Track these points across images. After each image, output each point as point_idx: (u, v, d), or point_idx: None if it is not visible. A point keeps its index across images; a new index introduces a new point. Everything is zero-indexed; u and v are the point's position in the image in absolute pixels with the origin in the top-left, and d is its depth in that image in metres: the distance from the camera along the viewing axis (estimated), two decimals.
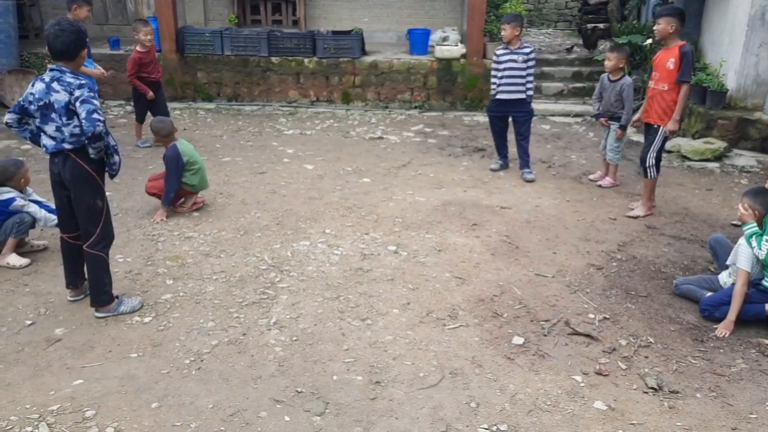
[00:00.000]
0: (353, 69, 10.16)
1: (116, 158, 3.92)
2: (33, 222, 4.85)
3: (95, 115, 3.63)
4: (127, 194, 6.24)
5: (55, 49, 3.71)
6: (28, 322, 4.05)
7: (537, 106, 9.39)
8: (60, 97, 3.68)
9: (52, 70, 3.75)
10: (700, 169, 7.32)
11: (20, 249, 4.90)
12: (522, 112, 6.91)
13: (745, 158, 7.66)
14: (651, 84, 5.80)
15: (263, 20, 11.50)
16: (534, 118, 8.26)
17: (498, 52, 6.91)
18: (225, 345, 3.84)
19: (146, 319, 4.09)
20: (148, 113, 7.88)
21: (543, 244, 5.34)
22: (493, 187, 6.69)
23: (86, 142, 3.71)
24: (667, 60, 5.58)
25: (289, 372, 3.59)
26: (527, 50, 6.75)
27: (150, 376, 3.54)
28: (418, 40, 10.37)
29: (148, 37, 7.67)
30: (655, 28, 5.68)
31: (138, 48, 7.67)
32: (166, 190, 5.64)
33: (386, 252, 5.11)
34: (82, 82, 3.72)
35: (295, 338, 3.92)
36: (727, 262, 4.32)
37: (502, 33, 6.79)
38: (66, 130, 3.73)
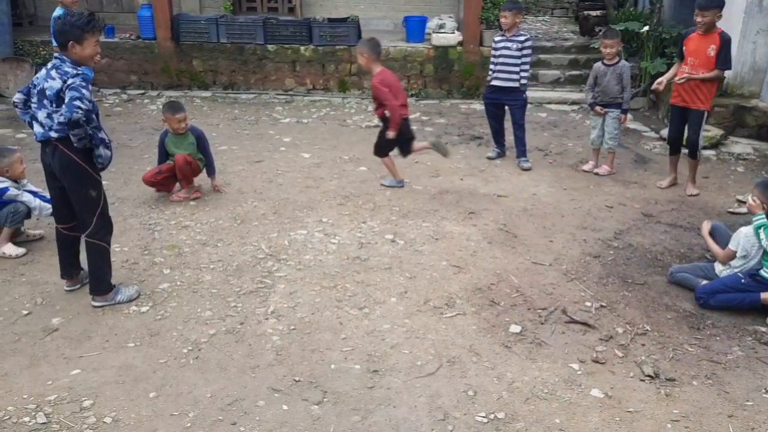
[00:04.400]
0: (350, 57, 10.09)
1: (102, 151, 3.83)
2: (28, 211, 4.82)
3: (77, 102, 3.58)
4: (123, 183, 6.22)
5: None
6: (25, 312, 4.04)
7: (534, 93, 9.38)
8: (54, 84, 3.68)
9: (56, 58, 3.78)
10: None
11: (16, 239, 4.88)
12: (515, 101, 6.87)
13: (741, 146, 7.65)
14: (686, 69, 5.93)
15: (259, 7, 11.41)
16: (530, 106, 8.24)
17: (495, 39, 6.92)
18: (223, 334, 3.84)
19: (143, 309, 4.09)
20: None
21: (540, 232, 5.34)
22: (489, 176, 6.68)
23: (66, 128, 3.68)
24: (707, 47, 5.76)
25: (287, 361, 3.60)
26: (522, 38, 6.71)
27: (148, 365, 3.54)
28: (415, 28, 10.31)
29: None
30: (700, 19, 5.75)
31: None
32: (210, 160, 6.00)
33: (383, 241, 5.11)
34: (79, 72, 3.69)
35: (292, 327, 3.92)
36: (729, 247, 4.33)
37: (503, 20, 6.73)
38: (54, 117, 3.72)
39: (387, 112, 5.86)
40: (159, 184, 5.81)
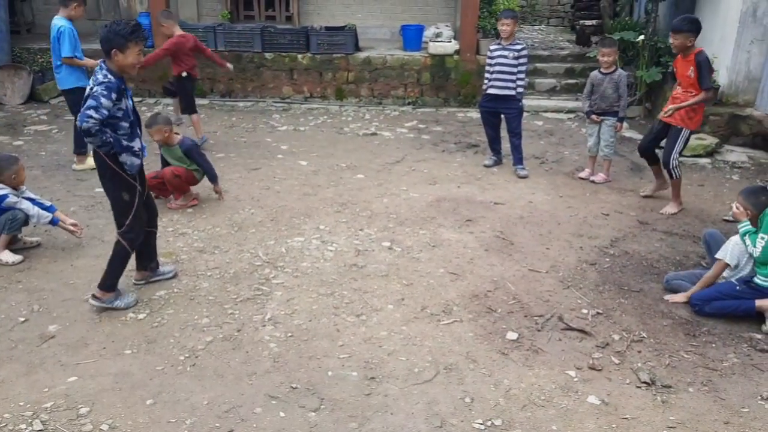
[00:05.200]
0: (347, 65, 10.14)
1: (126, 158, 3.90)
2: (26, 219, 4.82)
3: (89, 112, 3.65)
4: None
5: None
6: (22, 319, 4.03)
7: (530, 102, 9.43)
8: (88, 90, 3.79)
9: (100, 63, 3.88)
10: (691, 165, 7.35)
11: (13, 246, 4.87)
12: (511, 109, 6.93)
13: (736, 154, 7.71)
14: (678, 89, 5.91)
15: (256, 16, 11.46)
16: (527, 114, 8.30)
17: (491, 48, 6.97)
18: (220, 341, 3.84)
19: (140, 316, 4.09)
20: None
21: (536, 239, 5.36)
22: (486, 183, 6.71)
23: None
24: (687, 69, 5.72)
25: (284, 368, 3.60)
26: (518, 47, 6.77)
27: (144, 372, 3.54)
28: (412, 36, 10.37)
29: None
30: (672, 42, 5.75)
31: None
32: (209, 169, 5.85)
33: (380, 248, 5.12)
34: (104, 80, 3.73)
35: (289, 334, 3.92)
36: (717, 256, 4.35)
37: (504, 28, 6.75)
38: None
39: (184, 73, 7.54)
40: (155, 189, 5.81)
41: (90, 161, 6.90)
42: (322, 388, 3.44)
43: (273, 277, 4.63)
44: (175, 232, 5.33)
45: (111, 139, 3.78)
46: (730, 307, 4.15)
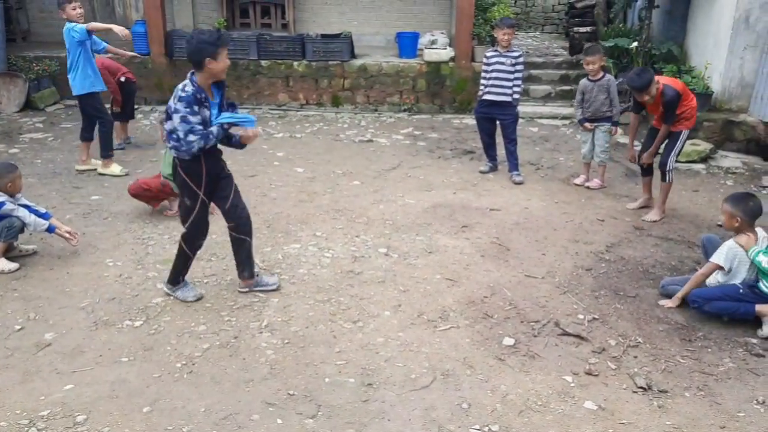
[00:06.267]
0: (342, 72, 10.17)
1: (217, 127, 4.02)
2: (22, 226, 4.81)
3: (189, 138, 3.85)
4: (117, 198, 6.21)
5: None
6: (18, 327, 4.02)
7: (525, 108, 9.47)
8: (170, 102, 3.91)
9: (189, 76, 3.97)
10: (686, 171, 7.39)
11: (9, 254, 4.86)
12: (507, 115, 6.96)
13: (730, 159, 7.75)
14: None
15: (252, 23, 11.49)
16: (522, 121, 8.32)
17: (488, 54, 7.00)
18: (216, 348, 3.84)
19: (137, 323, 4.08)
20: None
21: (532, 245, 5.37)
22: (482, 189, 6.73)
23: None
24: (658, 107, 5.77)
25: (281, 375, 3.60)
26: (516, 54, 6.82)
27: (141, 380, 3.53)
28: (407, 44, 10.41)
29: None
30: (644, 99, 5.73)
31: None
32: None
33: (377, 254, 5.13)
34: (182, 94, 3.83)
35: (286, 341, 3.92)
36: (711, 259, 4.36)
37: (506, 37, 6.79)
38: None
39: (123, 78, 7.76)
40: (144, 198, 5.80)
41: (93, 163, 7.01)
42: (319, 394, 3.44)
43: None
44: (171, 239, 5.32)
45: (212, 137, 3.95)
46: (729, 308, 4.14)
